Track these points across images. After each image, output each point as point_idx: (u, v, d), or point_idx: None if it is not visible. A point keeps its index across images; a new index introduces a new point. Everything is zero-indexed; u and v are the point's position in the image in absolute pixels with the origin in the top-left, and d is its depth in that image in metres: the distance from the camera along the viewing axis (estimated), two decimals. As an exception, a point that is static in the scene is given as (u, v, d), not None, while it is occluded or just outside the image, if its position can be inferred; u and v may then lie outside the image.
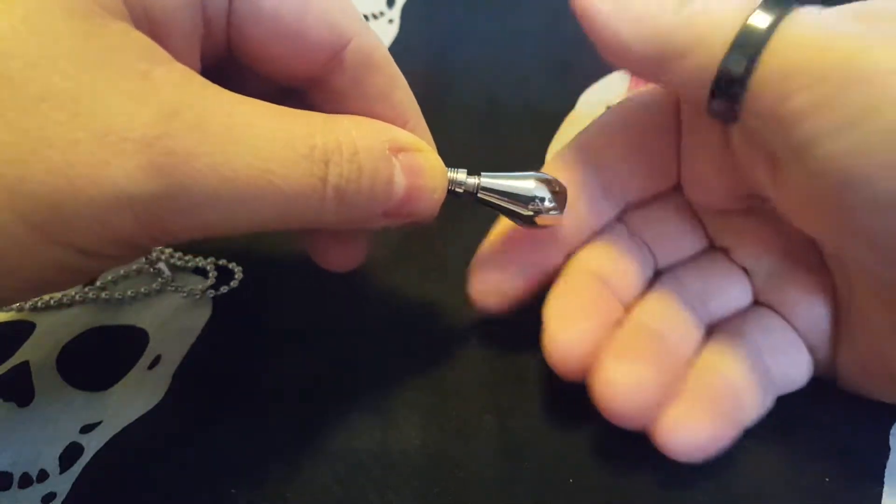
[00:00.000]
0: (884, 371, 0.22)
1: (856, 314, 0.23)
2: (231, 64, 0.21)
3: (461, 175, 0.23)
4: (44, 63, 0.15)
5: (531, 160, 0.33)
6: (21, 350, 0.27)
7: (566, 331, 0.22)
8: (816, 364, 0.24)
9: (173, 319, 0.28)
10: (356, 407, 0.25)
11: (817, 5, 0.19)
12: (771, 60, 0.18)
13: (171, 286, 0.29)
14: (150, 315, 0.28)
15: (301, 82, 0.22)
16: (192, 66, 0.18)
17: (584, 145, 0.25)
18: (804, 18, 0.18)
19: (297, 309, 0.28)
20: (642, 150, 0.24)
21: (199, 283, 0.29)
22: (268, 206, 0.18)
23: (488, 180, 0.23)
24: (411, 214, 0.21)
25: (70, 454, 0.24)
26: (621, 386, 0.21)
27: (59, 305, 0.28)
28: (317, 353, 0.26)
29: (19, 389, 0.25)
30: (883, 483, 0.22)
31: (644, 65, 0.21)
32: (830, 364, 0.24)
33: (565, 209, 0.23)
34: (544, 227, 0.23)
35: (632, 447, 0.23)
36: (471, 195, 0.23)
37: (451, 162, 0.22)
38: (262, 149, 0.17)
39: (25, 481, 0.23)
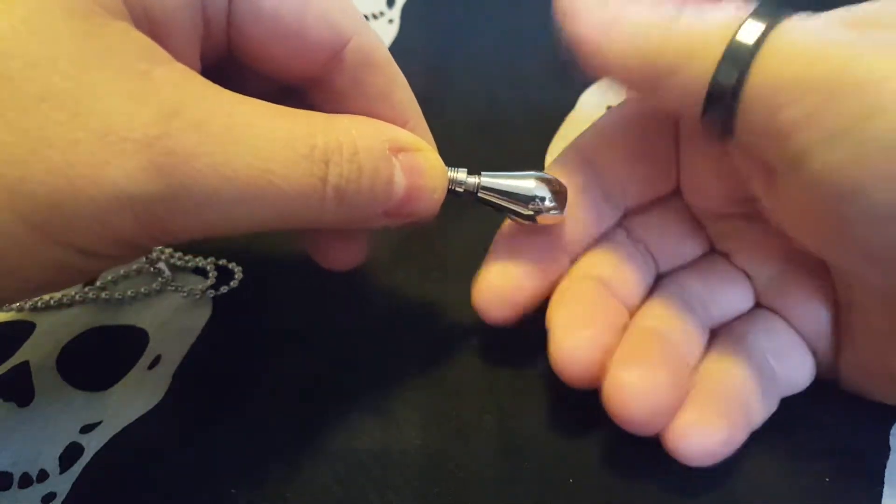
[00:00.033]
0: (885, 372, 0.22)
1: (856, 316, 0.22)
2: (231, 64, 0.21)
3: (461, 174, 0.23)
4: (44, 63, 0.15)
5: (531, 160, 0.33)
6: (21, 350, 0.27)
7: (573, 338, 0.22)
8: (818, 366, 0.24)
9: (173, 319, 0.28)
10: (356, 407, 0.25)
11: (809, 10, 0.19)
12: (762, 72, 0.18)
13: (171, 286, 0.29)
14: (150, 315, 0.28)
15: (301, 82, 0.22)
16: (192, 66, 0.18)
17: (584, 149, 0.25)
18: (793, 28, 0.18)
19: (297, 309, 0.28)
20: (642, 156, 0.24)
21: (199, 283, 0.29)
22: (268, 206, 0.18)
23: (488, 180, 0.23)
24: (411, 214, 0.21)
25: (70, 454, 0.24)
26: (634, 391, 0.20)
27: (59, 305, 0.28)
28: (317, 353, 0.26)
29: (19, 389, 0.25)
30: (883, 483, 0.22)
31: (636, 84, 0.21)
32: (832, 366, 0.24)
33: (566, 209, 0.23)
34: (545, 226, 0.23)
35: (632, 447, 0.23)
36: (471, 195, 0.23)
37: (451, 162, 0.22)
38: (263, 149, 0.17)
39: (25, 481, 0.23)
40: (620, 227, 0.26)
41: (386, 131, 0.21)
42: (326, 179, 0.19)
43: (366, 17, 0.41)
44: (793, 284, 0.24)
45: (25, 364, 0.26)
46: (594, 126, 0.25)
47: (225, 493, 0.23)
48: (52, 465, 0.23)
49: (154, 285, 0.29)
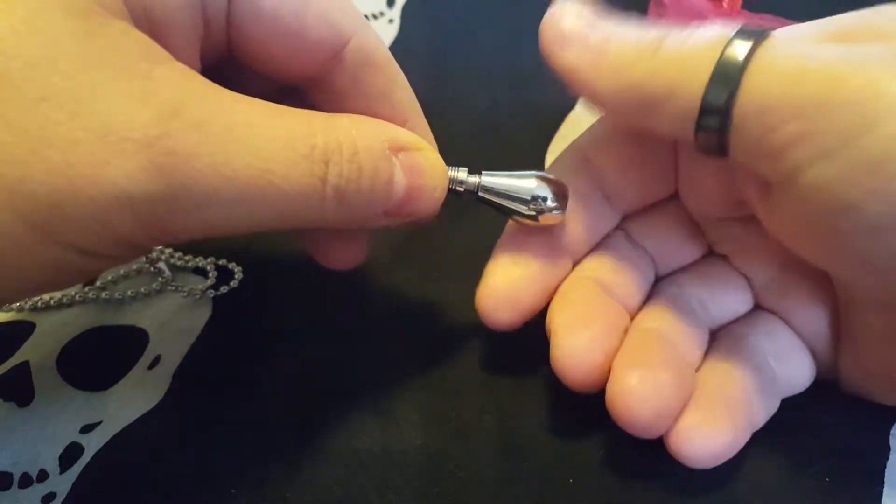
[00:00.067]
0: (884, 373, 0.22)
1: (855, 318, 0.22)
2: (231, 63, 0.21)
3: (462, 174, 0.22)
4: (44, 63, 0.15)
5: (531, 160, 0.33)
6: (21, 350, 0.27)
7: (574, 340, 0.22)
8: (818, 367, 0.24)
9: (173, 319, 0.28)
10: (356, 407, 0.25)
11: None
12: (751, 91, 0.18)
13: (171, 286, 0.29)
14: (150, 315, 0.28)
15: (301, 81, 0.22)
16: (192, 66, 0.18)
17: (584, 151, 0.25)
18: (779, 44, 0.18)
19: (297, 309, 0.28)
20: (641, 159, 0.24)
21: (199, 283, 0.29)
22: (268, 206, 0.18)
23: (489, 179, 0.23)
24: (412, 214, 0.21)
25: (70, 454, 0.24)
26: (638, 394, 0.20)
27: (59, 305, 0.28)
28: (317, 354, 0.26)
29: (19, 389, 0.25)
30: (883, 483, 0.22)
31: (628, 113, 0.21)
32: (832, 367, 0.24)
33: (567, 209, 0.23)
34: (546, 227, 0.23)
35: (632, 448, 0.23)
36: (471, 194, 0.23)
37: (451, 162, 0.22)
38: (263, 149, 0.17)
39: (25, 481, 0.23)
40: (620, 230, 0.26)
41: (386, 131, 0.21)
42: (326, 179, 0.19)
43: (366, 17, 0.41)
44: (792, 287, 0.24)
45: (25, 364, 0.26)
46: (593, 128, 0.25)
47: (225, 493, 0.23)
48: (52, 465, 0.23)
49: (154, 285, 0.29)
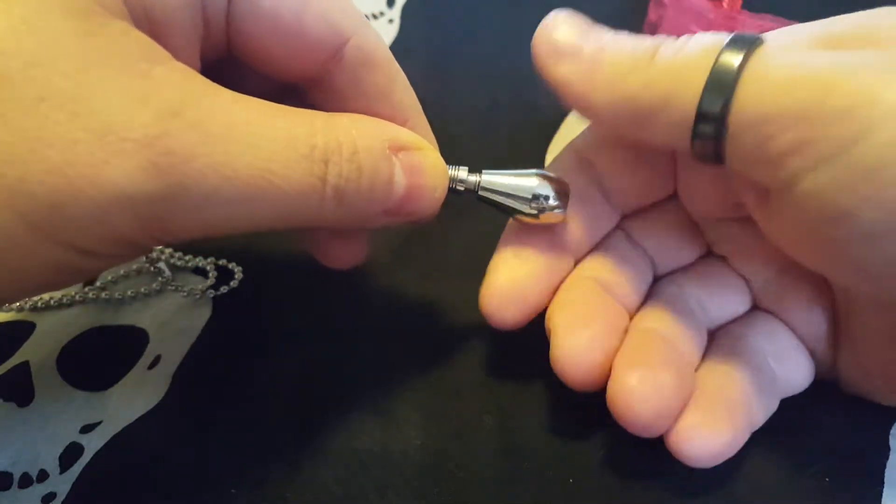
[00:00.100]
0: (883, 373, 0.22)
1: (855, 319, 0.22)
2: (231, 63, 0.21)
3: (462, 173, 0.22)
4: (43, 62, 0.15)
5: (531, 160, 0.33)
6: (21, 350, 0.27)
7: (574, 339, 0.22)
8: (818, 367, 0.24)
9: (173, 319, 0.28)
10: (356, 407, 0.25)
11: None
12: (746, 100, 0.18)
13: (171, 286, 0.29)
14: (150, 315, 0.28)
15: (301, 80, 0.22)
16: (192, 65, 0.18)
17: (583, 151, 0.25)
18: (772, 52, 0.18)
19: (297, 309, 0.28)
20: (640, 160, 0.24)
21: (199, 283, 0.29)
22: (268, 206, 0.18)
23: (490, 178, 0.22)
24: (412, 213, 0.21)
25: (70, 454, 0.24)
26: (639, 394, 0.20)
27: (59, 305, 0.28)
28: (317, 354, 0.26)
29: (19, 389, 0.25)
30: (883, 483, 0.22)
31: (624, 126, 0.21)
32: (831, 367, 0.24)
33: (567, 207, 0.23)
34: (546, 225, 0.23)
35: (632, 448, 0.23)
36: (472, 193, 0.23)
37: (450, 162, 0.22)
38: (263, 149, 0.17)
39: (25, 481, 0.23)
40: (619, 230, 0.26)
41: (386, 130, 0.21)
42: (326, 179, 0.19)
43: (366, 17, 0.41)
44: (790, 288, 0.24)
45: (25, 364, 0.26)
46: (592, 128, 0.25)
47: (225, 493, 0.23)
48: (52, 465, 0.23)
49: (154, 285, 0.29)
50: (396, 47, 0.39)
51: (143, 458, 0.24)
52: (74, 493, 0.23)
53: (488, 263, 0.24)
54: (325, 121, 0.19)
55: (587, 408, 0.23)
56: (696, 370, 0.23)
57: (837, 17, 0.19)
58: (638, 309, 0.24)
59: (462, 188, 0.23)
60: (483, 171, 0.23)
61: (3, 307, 0.28)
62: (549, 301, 0.24)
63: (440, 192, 0.22)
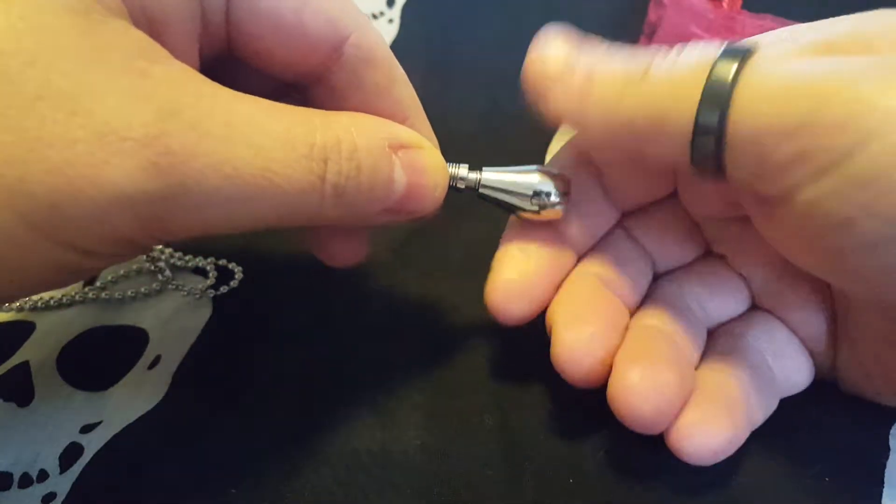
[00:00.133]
0: (883, 373, 0.22)
1: (854, 320, 0.22)
2: (230, 61, 0.21)
3: (463, 170, 0.22)
4: (42, 61, 0.15)
5: (531, 160, 0.33)
6: (21, 350, 0.27)
7: (575, 336, 0.22)
8: (817, 367, 0.24)
9: (173, 319, 0.28)
10: (356, 407, 0.25)
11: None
12: (743, 112, 0.18)
13: (172, 286, 0.29)
14: (151, 315, 0.28)
15: (301, 78, 0.22)
16: (190, 64, 0.18)
17: (583, 150, 0.25)
18: (766, 63, 0.18)
19: (297, 309, 0.28)
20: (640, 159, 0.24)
21: (199, 283, 0.29)
22: (267, 205, 0.18)
23: (490, 175, 0.22)
24: (412, 211, 0.21)
25: (70, 454, 0.24)
26: (640, 390, 0.20)
27: (59, 305, 0.28)
28: (317, 353, 0.26)
29: (19, 389, 0.25)
30: (883, 483, 0.22)
31: (622, 149, 0.21)
32: (831, 367, 0.24)
33: (568, 202, 0.23)
34: (547, 221, 0.23)
35: (632, 447, 0.23)
36: (472, 191, 0.23)
37: (450, 161, 0.22)
38: (262, 147, 0.17)
39: (25, 481, 0.23)
40: (619, 227, 0.26)
41: (386, 128, 0.21)
42: (325, 177, 0.19)
43: (365, 17, 0.41)
44: (789, 287, 0.24)
45: (25, 364, 0.26)
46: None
47: (225, 493, 0.23)
48: (52, 465, 0.23)
49: (154, 285, 0.29)
50: (396, 47, 0.39)
51: (143, 458, 0.24)
52: (74, 493, 0.23)
53: (490, 261, 0.24)
54: (325, 119, 0.19)
55: (587, 408, 0.23)
56: (696, 369, 0.23)
57: (832, 21, 0.19)
58: (638, 307, 0.24)
59: (462, 186, 0.23)
60: (483, 168, 0.23)
61: (3, 307, 0.28)
62: (553, 297, 0.24)
63: (440, 191, 0.22)
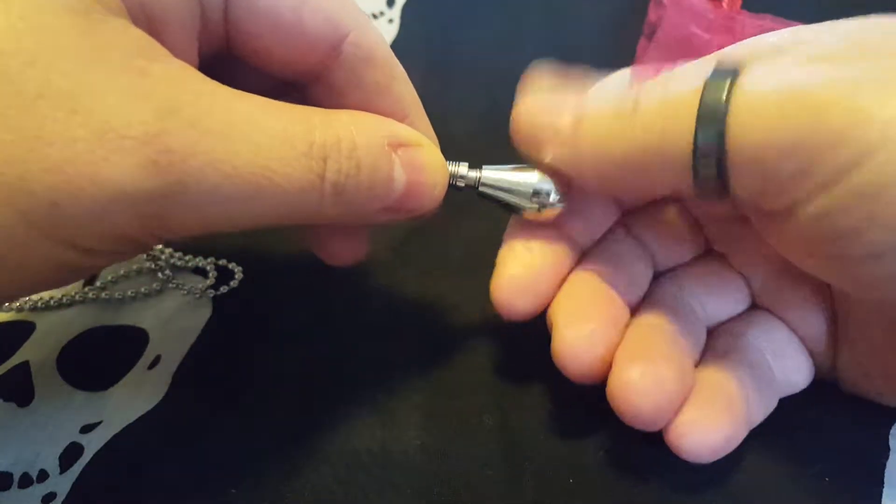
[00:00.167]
0: (883, 373, 0.22)
1: (854, 320, 0.22)
2: (229, 59, 0.21)
3: (463, 169, 0.22)
4: (42, 60, 0.15)
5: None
6: (21, 350, 0.27)
7: (575, 332, 0.22)
8: (817, 367, 0.24)
9: (173, 319, 0.28)
10: (356, 406, 0.25)
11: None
12: (740, 137, 0.17)
13: (172, 286, 0.29)
14: (151, 315, 0.28)
15: (300, 76, 0.22)
16: (190, 62, 0.18)
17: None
18: (757, 80, 0.18)
19: (297, 309, 0.28)
20: None
21: (199, 283, 0.29)
22: (267, 203, 0.18)
23: (490, 174, 0.22)
24: (412, 210, 0.21)
25: (70, 454, 0.24)
26: (639, 387, 0.20)
27: (59, 305, 0.28)
28: (317, 353, 0.26)
29: (19, 389, 0.25)
30: (883, 483, 0.22)
31: (621, 186, 0.22)
32: (831, 367, 0.24)
33: (568, 200, 0.23)
34: (547, 220, 0.23)
35: (632, 447, 0.23)
36: (472, 189, 0.23)
37: (450, 160, 0.22)
38: (262, 146, 0.17)
39: (25, 481, 0.23)
40: (620, 225, 0.26)
41: (385, 127, 0.21)
42: (325, 176, 0.19)
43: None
44: (789, 287, 0.24)
45: (25, 364, 0.26)
46: None
47: (225, 493, 0.23)
48: (52, 465, 0.23)
49: (154, 285, 0.29)
50: (396, 47, 0.39)
51: (143, 458, 0.24)
52: (74, 493, 0.23)
53: (490, 260, 0.24)
54: (324, 117, 0.19)
55: (587, 408, 0.23)
56: (696, 367, 0.23)
57: (826, 27, 0.19)
58: (638, 304, 0.24)
59: (462, 184, 0.23)
60: (483, 166, 0.23)
61: (4, 307, 0.28)
62: (556, 291, 0.24)
63: (440, 189, 0.22)
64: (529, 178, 0.22)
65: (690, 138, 0.18)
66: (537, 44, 0.38)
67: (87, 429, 0.24)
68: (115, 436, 0.24)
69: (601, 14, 0.40)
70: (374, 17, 0.41)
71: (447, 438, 0.24)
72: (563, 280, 0.24)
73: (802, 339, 0.24)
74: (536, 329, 0.23)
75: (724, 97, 0.18)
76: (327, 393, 0.25)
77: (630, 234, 0.25)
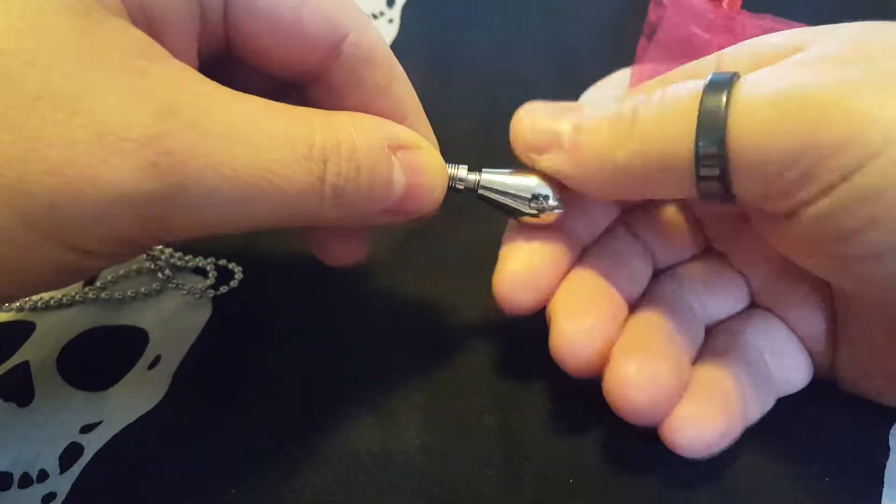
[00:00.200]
0: (882, 373, 0.22)
1: (854, 319, 0.23)
2: (229, 60, 0.21)
3: (462, 171, 0.22)
4: (42, 61, 0.15)
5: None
6: (21, 350, 0.27)
7: (573, 326, 0.22)
8: (817, 367, 0.24)
9: (173, 319, 0.28)
10: (356, 407, 0.25)
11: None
12: (741, 145, 0.17)
13: (171, 285, 0.29)
14: (151, 315, 0.28)
15: (300, 77, 0.22)
16: (189, 63, 0.18)
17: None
18: (754, 87, 0.18)
19: (297, 309, 0.28)
20: None
21: (199, 283, 0.29)
22: (267, 205, 0.18)
23: (489, 177, 0.23)
24: (411, 212, 0.21)
25: (70, 454, 0.24)
26: (636, 381, 0.20)
27: (59, 305, 0.28)
28: (317, 353, 0.26)
29: (19, 389, 0.25)
30: (883, 483, 0.22)
31: (624, 195, 0.22)
32: (830, 367, 0.24)
33: (567, 203, 0.23)
34: (546, 222, 0.23)
35: (633, 447, 0.23)
36: (472, 192, 0.23)
37: (449, 161, 0.22)
38: (262, 148, 0.17)
39: (25, 481, 0.23)
40: (620, 223, 0.26)
41: (385, 129, 0.21)
42: (325, 178, 0.19)
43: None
44: (789, 286, 0.24)
45: (25, 364, 0.26)
46: None
47: (225, 493, 0.23)
48: (52, 465, 0.23)
49: (154, 285, 0.29)
50: (396, 47, 0.39)
51: (143, 458, 0.24)
52: (74, 493, 0.23)
53: (489, 262, 0.24)
54: (324, 119, 0.19)
55: (587, 408, 0.23)
56: (693, 364, 0.23)
57: (827, 30, 0.19)
58: (637, 301, 0.24)
59: (462, 187, 0.23)
60: (483, 169, 0.23)
61: (4, 307, 0.28)
62: (557, 286, 0.24)
63: (439, 192, 0.22)
64: (528, 182, 0.22)
65: (691, 145, 0.18)
66: (537, 44, 0.38)
67: (87, 429, 0.24)
68: (115, 436, 0.24)
69: (601, 14, 0.40)
70: (374, 17, 0.41)
71: (447, 438, 0.24)
72: (564, 276, 0.24)
73: (801, 339, 0.24)
74: (536, 329, 0.23)
75: (723, 103, 0.18)
76: (327, 393, 0.25)
77: (630, 231, 0.26)
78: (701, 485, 0.22)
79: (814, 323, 0.23)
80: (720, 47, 0.22)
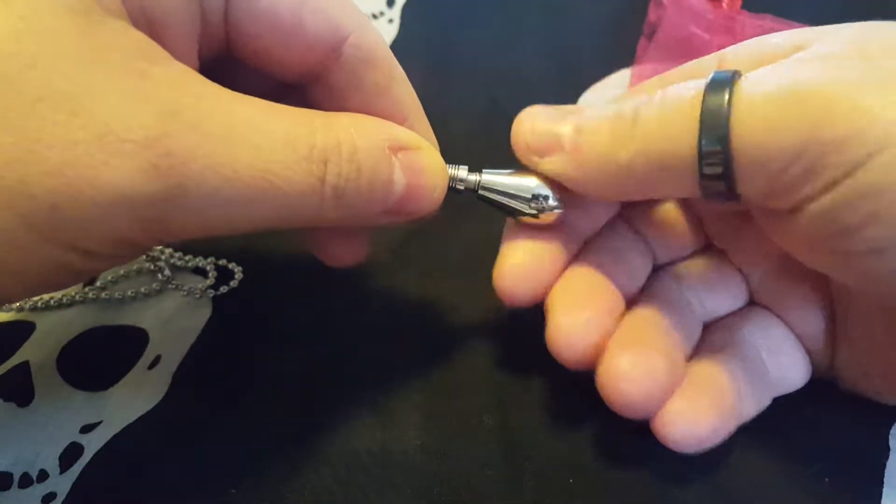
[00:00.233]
0: (882, 372, 0.22)
1: (853, 318, 0.23)
2: (230, 61, 0.21)
3: (462, 172, 0.23)
4: (42, 62, 0.15)
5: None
6: (21, 350, 0.27)
7: (570, 319, 0.22)
8: (816, 366, 0.24)
9: (173, 319, 0.28)
10: (356, 407, 0.25)
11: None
12: (744, 144, 0.17)
13: (171, 286, 0.29)
14: (151, 315, 0.28)
15: (300, 78, 0.22)
16: (190, 64, 0.18)
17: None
18: (758, 83, 0.18)
19: (297, 309, 0.28)
20: None
21: (199, 283, 0.29)
22: (267, 207, 0.18)
23: (490, 178, 0.23)
24: (411, 213, 0.21)
25: (70, 454, 0.24)
26: (630, 374, 0.21)
27: (59, 305, 0.28)
28: (317, 353, 0.26)
29: (19, 389, 0.25)
30: (883, 483, 0.22)
31: (627, 196, 0.22)
32: (829, 366, 0.24)
33: (567, 202, 0.23)
34: (546, 222, 0.23)
35: (633, 447, 0.23)
36: (472, 192, 0.23)
37: (450, 162, 0.22)
38: (263, 149, 0.17)
39: (25, 481, 0.23)
40: (620, 218, 0.26)
41: (385, 130, 0.21)
42: (325, 179, 0.19)
43: (365, 16, 0.41)
44: (788, 285, 0.24)
45: (25, 364, 0.26)
46: None
47: (225, 493, 0.23)
48: (52, 465, 0.23)
49: (154, 285, 0.29)
50: (396, 47, 0.39)
51: (143, 458, 0.24)
52: (74, 493, 0.23)
53: (488, 262, 0.24)
54: (325, 120, 0.19)
55: (588, 408, 0.23)
56: (689, 360, 0.23)
57: (829, 29, 0.19)
58: (635, 297, 0.24)
59: (462, 187, 0.23)
60: (483, 170, 0.23)
61: (3, 307, 0.28)
62: (557, 279, 0.24)
63: (439, 192, 0.22)
64: (528, 183, 0.22)
65: (694, 143, 0.18)
66: (537, 44, 0.38)
67: (87, 429, 0.24)
68: (115, 436, 0.24)
69: (601, 14, 0.40)
70: (374, 17, 0.41)
71: (447, 438, 0.24)
72: (563, 270, 0.24)
73: (800, 337, 0.24)
74: (536, 329, 0.23)
75: (725, 100, 0.18)
76: (327, 393, 0.25)
77: (630, 227, 0.26)
78: (701, 484, 0.22)
79: (813, 322, 0.24)
80: (720, 47, 0.22)
